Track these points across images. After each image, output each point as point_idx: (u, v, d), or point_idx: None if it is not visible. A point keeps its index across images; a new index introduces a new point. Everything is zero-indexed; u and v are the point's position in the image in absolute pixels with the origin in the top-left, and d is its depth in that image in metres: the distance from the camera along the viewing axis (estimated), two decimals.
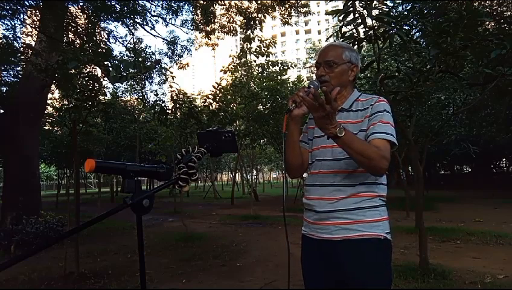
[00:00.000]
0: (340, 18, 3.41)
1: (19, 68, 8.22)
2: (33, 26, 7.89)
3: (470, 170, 24.13)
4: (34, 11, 7.79)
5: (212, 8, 10.60)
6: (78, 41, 7.64)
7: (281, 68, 10.54)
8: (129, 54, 9.43)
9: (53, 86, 7.74)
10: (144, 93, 13.35)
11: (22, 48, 7.68)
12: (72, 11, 8.31)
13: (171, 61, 11.58)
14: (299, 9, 11.65)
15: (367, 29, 3.52)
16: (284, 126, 1.54)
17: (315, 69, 1.64)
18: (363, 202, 1.48)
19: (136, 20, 9.79)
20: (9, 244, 6.00)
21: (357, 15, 3.37)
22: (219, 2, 10.87)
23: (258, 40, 9.28)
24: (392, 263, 1.56)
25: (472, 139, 11.28)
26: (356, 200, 1.48)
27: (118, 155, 16.33)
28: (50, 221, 6.70)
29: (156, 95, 11.66)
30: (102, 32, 9.54)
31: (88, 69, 4.99)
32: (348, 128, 1.52)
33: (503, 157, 20.58)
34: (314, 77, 1.65)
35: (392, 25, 3.47)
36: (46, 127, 14.14)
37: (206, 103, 8.15)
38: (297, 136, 1.62)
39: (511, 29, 6.41)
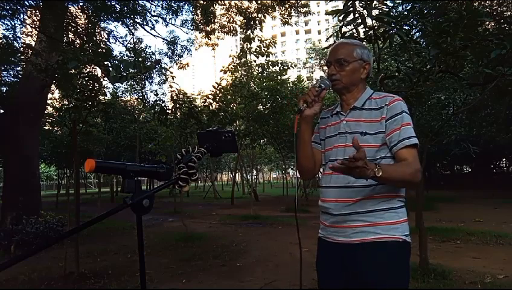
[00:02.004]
0: (340, 18, 3.40)
1: (19, 68, 8.23)
2: (33, 26, 7.89)
3: (470, 170, 24.11)
4: (34, 11, 7.79)
5: (212, 8, 10.60)
6: (78, 41, 7.64)
7: (281, 68, 10.51)
8: (129, 54, 9.43)
9: (53, 86, 7.74)
10: (144, 93, 13.37)
11: (22, 48, 7.68)
12: (72, 11, 8.32)
13: (171, 61, 11.62)
14: (299, 9, 11.65)
15: (367, 29, 3.52)
16: (295, 127, 1.50)
17: (326, 68, 1.60)
18: (381, 204, 1.45)
19: (136, 20, 9.81)
20: (9, 244, 6.00)
21: (357, 15, 3.36)
22: (219, 2, 10.88)
23: (258, 40, 9.26)
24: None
25: (472, 139, 11.25)
26: (374, 202, 1.45)
27: (118, 155, 16.32)
28: (50, 221, 6.70)
29: (156, 95, 11.63)
30: (102, 32, 9.56)
31: (88, 69, 4.99)
32: (360, 126, 1.50)
33: (503, 157, 20.58)
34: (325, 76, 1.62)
35: (392, 25, 3.46)
36: (46, 127, 14.15)
37: (206, 103, 8.15)
38: (309, 137, 1.59)
39: (511, 29, 6.41)
